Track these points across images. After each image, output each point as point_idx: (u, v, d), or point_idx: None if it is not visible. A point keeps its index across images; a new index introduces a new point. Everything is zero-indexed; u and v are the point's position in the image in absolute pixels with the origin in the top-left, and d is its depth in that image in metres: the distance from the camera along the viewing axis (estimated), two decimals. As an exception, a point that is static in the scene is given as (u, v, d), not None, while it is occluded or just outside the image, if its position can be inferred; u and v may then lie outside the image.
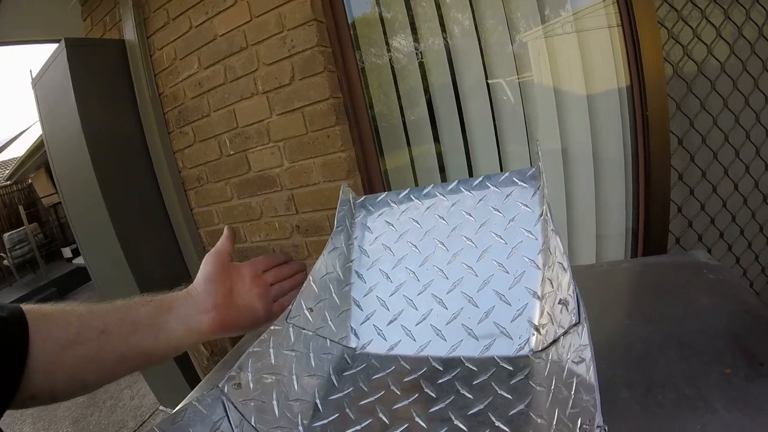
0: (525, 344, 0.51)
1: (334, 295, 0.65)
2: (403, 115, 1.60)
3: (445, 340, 0.56)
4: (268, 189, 1.81)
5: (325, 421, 0.49)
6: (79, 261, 6.12)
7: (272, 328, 0.55)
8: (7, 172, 10.74)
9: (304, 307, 0.60)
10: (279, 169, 1.74)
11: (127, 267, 2.09)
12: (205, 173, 2.07)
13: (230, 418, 0.45)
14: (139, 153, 2.20)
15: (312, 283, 0.62)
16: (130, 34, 1.96)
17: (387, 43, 1.60)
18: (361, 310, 0.65)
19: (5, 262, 8.37)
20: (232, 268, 0.59)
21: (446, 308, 0.58)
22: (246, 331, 0.60)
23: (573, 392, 0.35)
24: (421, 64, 1.55)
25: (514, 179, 0.62)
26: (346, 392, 0.53)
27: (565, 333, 0.43)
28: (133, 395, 2.99)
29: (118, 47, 2.00)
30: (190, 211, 2.26)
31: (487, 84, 1.40)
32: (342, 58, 1.56)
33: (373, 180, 1.59)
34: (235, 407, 0.46)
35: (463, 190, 0.66)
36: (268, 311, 0.60)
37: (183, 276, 2.33)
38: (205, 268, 0.57)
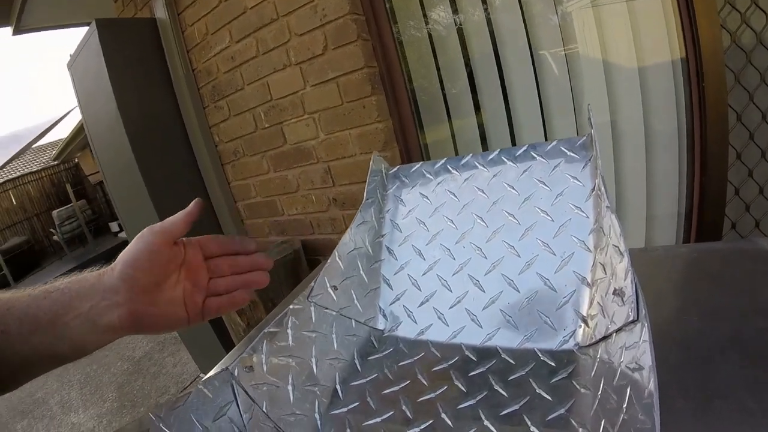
0: (570, 337, 0.47)
1: (362, 272, 0.63)
2: (442, 86, 1.60)
3: (481, 327, 0.53)
4: (304, 161, 1.88)
5: (344, 409, 0.47)
6: (125, 234, 6.57)
7: (292, 307, 0.54)
8: (54, 152, 11.63)
9: (328, 285, 0.58)
10: (315, 141, 1.80)
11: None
12: (241, 147, 2.16)
13: (239, 403, 0.44)
14: (175, 129, 2.32)
15: (338, 258, 0.60)
16: (160, 12, 2.04)
17: (424, 14, 1.59)
18: (391, 289, 0.62)
19: (55, 237, 9.03)
20: (171, 254, 0.47)
21: (483, 291, 0.55)
22: (163, 333, 0.50)
23: (625, 405, 0.31)
24: (461, 34, 1.54)
25: (563, 149, 0.57)
26: (369, 378, 0.51)
27: (618, 330, 0.39)
28: (176, 363, 3.25)
29: (149, 26, 2.09)
30: (228, 184, 2.38)
31: (531, 55, 1.38)
32: (376, 26, 1.57)
33: (412, 152, 1.63)
34: (245, 391, 0.45)
35: (506, 160, 0.62)
36: (197, 314, 0.48)
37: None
38: (133, 249, 0.46)
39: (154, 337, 3.71)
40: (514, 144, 1.49)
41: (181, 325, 0.48)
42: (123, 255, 0.46)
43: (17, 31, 2.93)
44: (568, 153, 0.58)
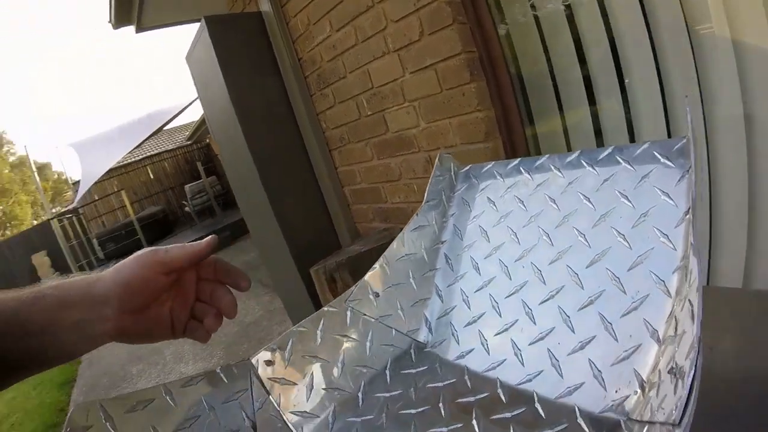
0: (620, 404, 0.42)
1: (411, 280, 0.63)
2: (552, 72, 1.56)
3: (522, 365, 0.51)
4: (405, 150, 1.98)
5: (357, 419, 0.50)
6: (247, 208, 7.57)
7: (326, 309, 0.57)
8: (188, 133, 13.83)
9: (370, 291, 0.59)
10: (415, 129, 1.89)
11: (274, 219, 2.58)
12: (347, 133, 2.34)
13: (253, 392, 0.48)
14: (284, 116, 2.58)
15: (384, 264, 0.61)
16: (265, 5, 2.26)
17: None
18: (442, 301, 0.62)
19: (187, 208, 10.47)
20: (166, 281, 0.50)
21: (534, 323, 0.52)
22: (147, 343, 0.52)
23: None
24: (572, 13, 1.48)
25: (656, 153, 0.51)
26: (392, 393, 0.53)
27: (661, 424, 0.34)
28: (281, 331, 3.65)
29: (256, 19, 2.33)
30: (335, 170, 2.59)
31: (650, 38, 1.29)
32: (473, 8, 1.58)
33: (517, 144, 1.63)
34: (261, 383, 0.50)
35: (585, 164, 0.56)
36: (181, 331, 0.52)
37: (327, 230, 2.74)
38: (128, 270, 0.49)
39: (265, 305, 4.20)
40: (632, 134, 1.42)
41: (166, 339, 0.52)
42: (118, 272, 0.48)
43: (139, 29, 3.47)
44: (662, 160, 0.50)
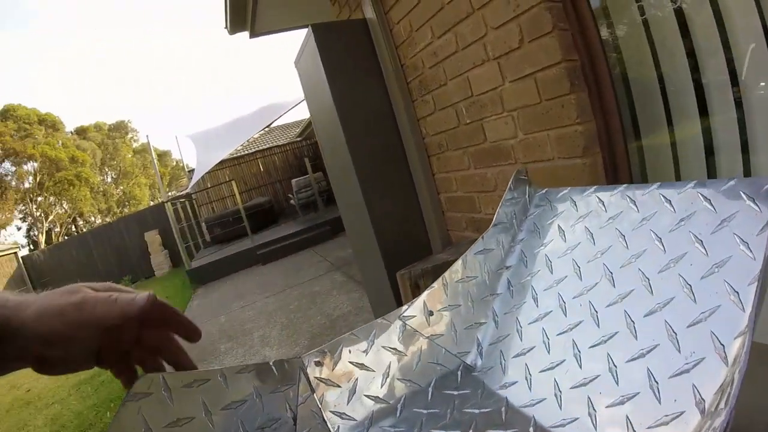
0: None
1: (469, 302, 0.67)
2: (661, 82, 1.56)
3: (560, 408, 0.52)
4: (502, 161, 2.07)
5: (392, 429, 0.55)
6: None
7: (380, 321, 0.63)
8: (298, 130, 15.30)
9: (425, 308, 0.64)
10: (513, 140, 1.97)
11: (368, 220, 2.80)
12: (446, 141, 2.46)
13: (299, 387, 0.54)
14: (385, 120, 2.77)
15: (443, 284, 0.66)
16: (369, 12, 2.46)
17: None
18: (497, 328, 0.65)
19: (292, 201, 11.26)
20: (91, 336, 0.51)
21: (580, 367, 0.53)
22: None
23: None
24: (682, 18, 1.47)
25: (742, 194, 0.48)
26: (430, 411, 0.56)
27: None
28: (362, 322, 3.87)
29: (360, 26, 2.55)
30: (432, 176, 2.74)
31: None
32: (575, 13, 1.62)
33: (618, 161, 1.65)
34: (308, 380, 0.55)
35: (663, 199, 0.55)
36: (111, 363, 0.55)
37: (419, 235, 2.90)
38: (48, 327, 0.48)
39: (355, 301, 4.52)
40: (747, 152, 1.39)
41: (91, 368, 0.53)
42: (38, 320, 0.48)
43: (253, 35, 3.92)
44: (747, 202, 0.47)
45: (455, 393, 0.60)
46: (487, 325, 0.67)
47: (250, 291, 6.73)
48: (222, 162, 12.74)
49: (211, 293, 7.60)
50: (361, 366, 0.61)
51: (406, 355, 0.63)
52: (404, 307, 0.66)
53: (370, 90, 2.72)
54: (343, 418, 0.57)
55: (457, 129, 2.32)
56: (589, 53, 1.64)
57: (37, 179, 26.43)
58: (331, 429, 0.56)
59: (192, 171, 12.21)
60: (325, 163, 3.53)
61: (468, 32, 1.98)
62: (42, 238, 26.83)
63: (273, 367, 0.57)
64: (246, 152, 15.26)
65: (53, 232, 28.16)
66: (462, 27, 2.00)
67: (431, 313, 0.66)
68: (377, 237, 2.81)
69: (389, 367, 0.62)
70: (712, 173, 1.49)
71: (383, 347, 0.63)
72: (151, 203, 28.10)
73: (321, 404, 0.57)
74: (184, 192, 14.81)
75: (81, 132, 31.84)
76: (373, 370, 0.61)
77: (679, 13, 1.47)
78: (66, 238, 23.34)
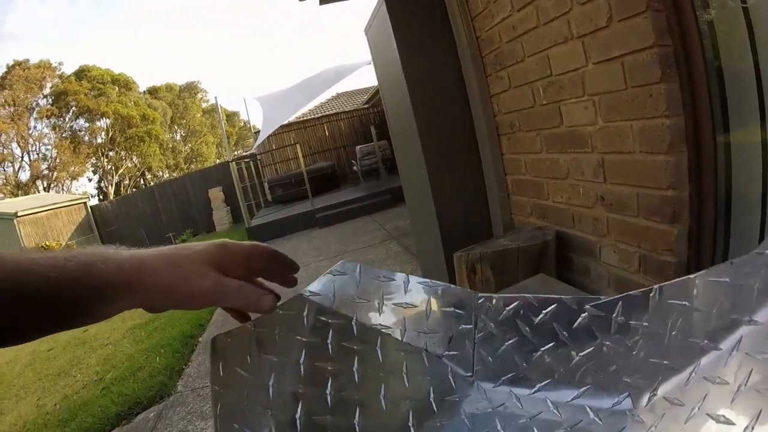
0: None
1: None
2: (759, 77, 1.43)
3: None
4: (578, 148, 1.98)
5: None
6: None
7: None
8: (366, 97, 15.42)
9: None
10: (592, 127, 1.87)
11: (430, 193, 2.78)
12: (518, 120, 2.38)
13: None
14: (456, 94, 2.72)
15: None
16: (446, -20, 2.37)
17: None
18: None
19: (354, 168, 11.39)
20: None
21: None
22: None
23: None
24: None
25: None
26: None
27: None
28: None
29: (436, -6, 2.46)
30: (501, 156, 2.67)
31: None
32: (674, -7, 1.51)
33: (704, 162, 1.53)
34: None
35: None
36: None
37: (481, 215, 2.86)
38: (195, 283, 0.53)
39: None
40: None
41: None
42: (170, 278, 0.52)
43: (323, 2, 3.86)
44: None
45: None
46: None
47: (305, 252, 6.90)
48: (288, 125, 13.02)
49: (267, 251, 7.81)
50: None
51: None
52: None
53: (442, 62, 2.65)
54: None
55: (532, 109, 2.23)
56: (683, 39, 1.52)
57: (109, 135, 28.20)
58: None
59: (258, 132, 12.53)
60: (390, 133, 3.52)
61: (551, 6, 1.88)
62: (111, 190, 28.70)
63: (452, 292, 0.63)
64: (312, 116, 15.52)
65: (122, 185, 30.01)
66: (544, 0, 1.90)
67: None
68: (437, 213, 2.79)
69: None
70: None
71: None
72: (217, 161, 29.24)
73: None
74: (249, 152, 15.31)
75: (153, 92, 33.57)
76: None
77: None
78: (134, 190, 24.81)
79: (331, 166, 13.06)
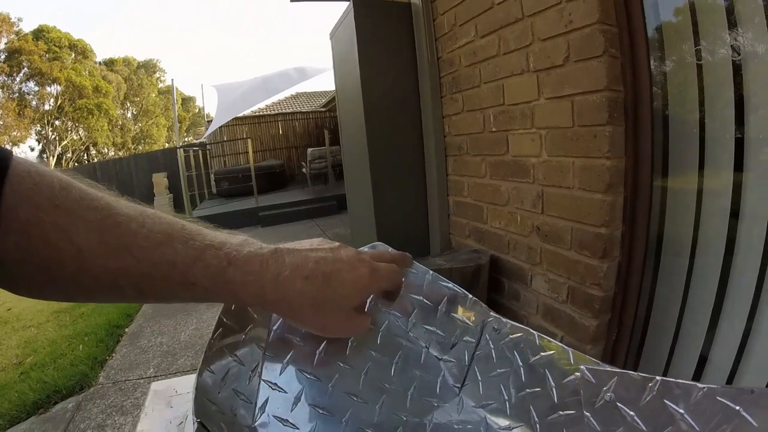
0: None
1: None
2: (702, 127, 1.47)
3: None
4: (520, 177, 1.98)
5: None
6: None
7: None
8: (324, 100, 15.04)
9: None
10: (536, 159, 1.88)
11: (372, 205, 2.75)
12: (467, 144, 2.38)
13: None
14: (410, 110, 2.70)
15: None
16: (416, -3, 2.35)
17: (696, 34, 1.46)
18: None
19: (304, 170, 11.21)
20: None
21: None
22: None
23: None
24: (738, 70, 1.37)
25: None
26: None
27: None
28: None
29: (404, 10, 2.46)
30: (446, 176, 2.66)
31: None
32: (630, 42, 1.53)
33: (639, 203, 1.56)
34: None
35: None
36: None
37: (420, 233, 2.84)
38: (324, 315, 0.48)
39: None
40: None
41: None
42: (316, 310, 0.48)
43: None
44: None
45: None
46: None
47: (245, 250, 6.66)
48: (242, 118, 12.68)
49: (205, 245, 7.55)
50: None
51: None
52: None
53: (401, 77, 2.62)
54: None
55: (481, 135, 2.23)
56: (635, 86, 1.55)
57: (58, 103, 26.54)
58: None
59: (211, 121, 12.15)
60: (341, 141, 3.46)
61: (513, 38, 1.89)
62: (52, 162, 27.00)
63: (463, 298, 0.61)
64: (268, 113, 15.17)
65: (64, 158, 28.34)
66: (507, 31, 1.90)
67: None
68: (377, 224, 2.75)
69: None
70: (732, 235, 1.41)
71: None
72: (166, 145, 28.19)
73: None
74: (199, 140, 14.79)
75: (109, 63, 31.91)
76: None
77: (736, 65, 1.37)
78: (76, 165, 23.50)
79: (281, 165, 12.78)
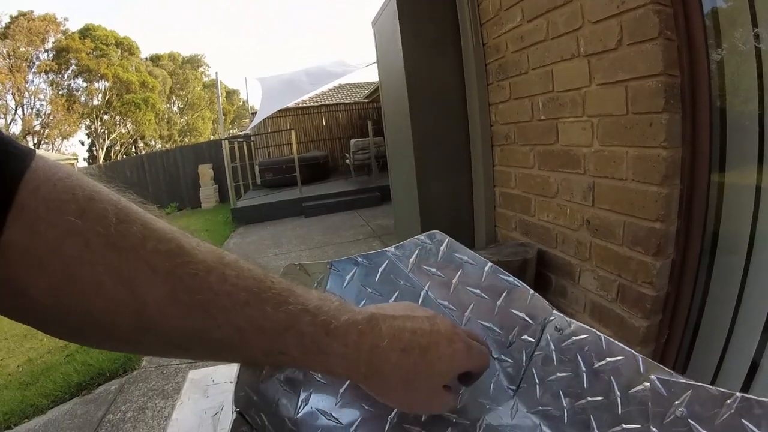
0: None
1: None
2: (763, 116, 1.39)
3: None
4: (570, 168, 1.93)
5: None
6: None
7: None
8: (367, 91, 15.40)
9: None
10: (587, 149, 1.83)
11: (416, 197, 2.74)
12: (514, 132, 2.34)
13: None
14: (455, 99, 2.66)
15: None
16: (459, -19, 2.31)
17: (754, 15, 1.38)
18: None
19: (347, 161, 11.30)
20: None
21: None
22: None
23: None
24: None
25: None
26: None
27: None
28: None
29: (447, -5, 2.40)
30: (492, 167, 2.62)
31: None
32: (686, 24, 1.46)
33: (696, 197, 1.49)
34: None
35: None
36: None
37: (465, 225, 2.81)
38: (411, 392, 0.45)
39: None
40: None
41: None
42: (406, 387, 0.44)
43: None
44: None
45: None
46: None
47: (288, 240, 6.79)
48: (286, 109, 12.87)
49: (250, 234, 7.73)
50: None
51: None
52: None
53: (445, 64, 2.60)
54: None
55: (529, 123, 2.18)
56: (692, 71, 1.48)
57: (106, 98, 27.69)
58: None
59: (255, 113, 12.38)
60: (385, 131, 3.46)
61: (562, 21, 1.83)
62: (101, 154, 28.25)
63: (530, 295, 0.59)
64: (311, 104, 15.38)
65: (113, 150, 29.55)
66: (556, 14, 1.85)
67: None
68: (421, 216, 2.74)
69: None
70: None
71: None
72: (212, 138, 28.98)
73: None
74: (243, 132, 15.15)
75: (155, 59, 33.10)
76: None
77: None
78: (124, 157, 24.46)
79: (324, 156, 12.93)
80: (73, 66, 26.86)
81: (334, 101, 16.03)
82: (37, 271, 0.27)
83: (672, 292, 1.60)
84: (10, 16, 26.16)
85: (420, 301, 0.62)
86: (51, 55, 26.94)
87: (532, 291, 0.60)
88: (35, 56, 26.70)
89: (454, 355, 0.45)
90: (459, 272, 0.62)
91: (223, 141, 9.89)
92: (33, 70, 26.58)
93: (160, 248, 0.32)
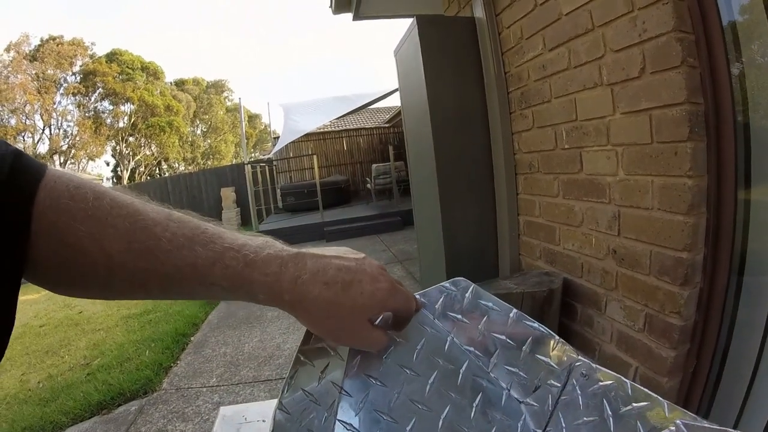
0: None
1: None
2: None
3: None
4: (594, 197, 1.95)
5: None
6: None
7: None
8: (388, 116, 15.76)
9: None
10: (612, 178, 1.85)
11: (440, 224, 2.76)
12: (537, 161, 2.36)
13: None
14: (478, 127, 2.71)
15: None
16: (479, 11, 2.40)
17: None
18: None
19: (368, 185, 11.41)
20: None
21: None
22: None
23: None
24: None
25: None
26: None
27: None
28: None
29: (467, 24, 2.50)
30: (516, 195, 2.64)
31: None
32: (708, 51, 1.48)
33: (723, 224, 1.50)
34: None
35: None
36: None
37: (489, 253, 2.82)
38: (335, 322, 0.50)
39: None
40: None
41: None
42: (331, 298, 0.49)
43: (356, 17, 3.95)
44: None
45: None
46: None
47: (310, 265, 6.83)
48: (307, 135, 13.08)
49: (272, 259, 7.80)
50: None
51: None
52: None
53: (468, 92, 2.65)
54: None
55: (553, 152, 2.21)
56: (715, 98, 1.50)
57: (132, 120, 28.57)
58: None
59: (277, 138, 12.61)
60: (407, 155, 3.52)
61: (583, 50, 1.87)
62: (125, 175, 29.01)
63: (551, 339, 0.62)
64: (333, 129, 15.66)
65: (137, 172, 30.30)
66: (577, 43, 1.89)
67: None
68: (445, 243, 2.76)
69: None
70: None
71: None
72: (234, 161, 29.54)
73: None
74: (266, 156, 15.45)
75: (180, 84, 34.19)
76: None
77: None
78: (148, 178, 25.08)
79: (345, 181, 13.12)
80: (100, 89, 27.83)
81: (355, 126, 16.30)
82: (45, 242, 0.39)
83: (700, 321, 1.59)
84: (41, 39, 27.30)
85: (446, 348, 0.63)
86: (78, 78, 27.94)
87: (557, 337, 0.63)
88: (63, 78, 27.73)
89: (376, 293, 0.51)
90: (484, 318, 0.65)
91: (246, 165, 10.09)
92: (60, 91, 27.57)
93: (121, 213, 0.43)
